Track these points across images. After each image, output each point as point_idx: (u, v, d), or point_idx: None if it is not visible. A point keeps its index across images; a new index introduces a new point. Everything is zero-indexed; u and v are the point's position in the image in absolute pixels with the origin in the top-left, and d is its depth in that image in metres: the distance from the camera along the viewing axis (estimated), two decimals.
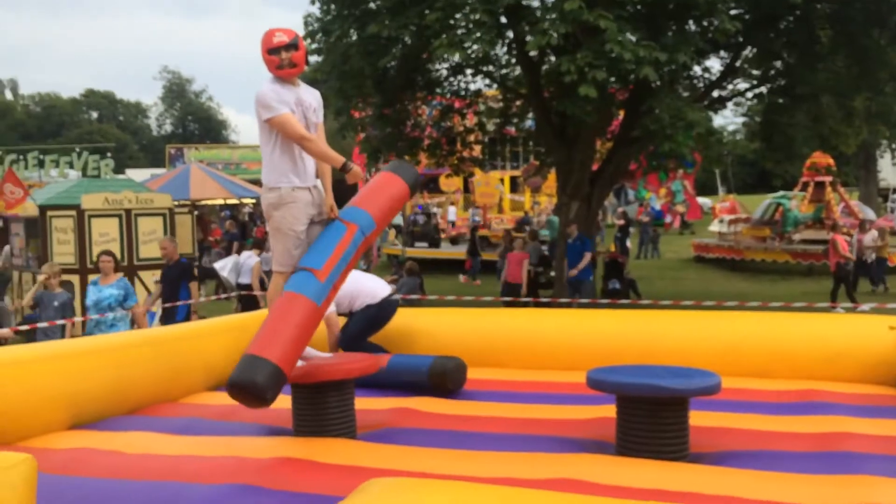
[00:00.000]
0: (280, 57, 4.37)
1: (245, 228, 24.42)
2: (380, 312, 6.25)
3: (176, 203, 14.27)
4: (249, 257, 12.08)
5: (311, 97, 4.62)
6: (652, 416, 4.03)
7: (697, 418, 4.42)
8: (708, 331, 6.06)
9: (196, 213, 15.62)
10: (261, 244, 12.76)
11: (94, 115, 70.95)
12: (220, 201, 24.42)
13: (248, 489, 3.71)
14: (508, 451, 4.21)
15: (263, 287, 11.15)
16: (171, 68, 75.41)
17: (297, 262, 4.54)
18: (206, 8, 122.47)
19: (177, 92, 70.43)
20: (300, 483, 3.78)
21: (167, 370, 5.76)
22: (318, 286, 4.31)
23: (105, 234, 11.58)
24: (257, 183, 27.44)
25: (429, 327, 6.65)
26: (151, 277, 11.68)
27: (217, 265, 12.88)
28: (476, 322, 6.80)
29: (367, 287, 6.33)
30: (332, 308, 5.85)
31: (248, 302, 11.30)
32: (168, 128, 71.04)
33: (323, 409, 4.56)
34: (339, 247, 4.38)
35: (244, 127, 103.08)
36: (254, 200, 25.28)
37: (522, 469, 3.85)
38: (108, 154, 18.36)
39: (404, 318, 6.63)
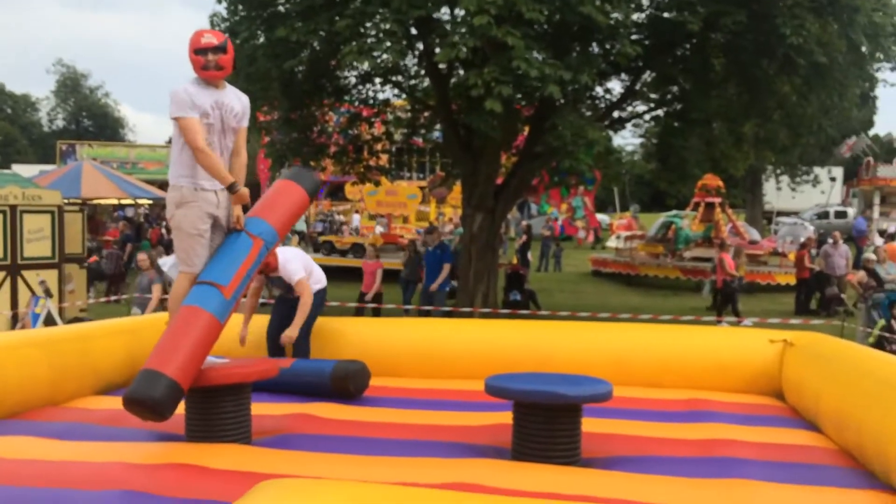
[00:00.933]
0: (206, 58, 4.33)
1: (140, 230, 23.56)
2: (321, 301, 6.39)
3: (66, 201, 13.64)
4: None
5: (236, 101, 4.54)
6: (547, 423, 4.13)
7: (590, 425, 4.57)
8: (602, 342, 6.26)
9: (87, 211, 14.96)
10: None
11: None
12: (114, 201, 23.47)
13: (136, 496, 3.59)
14: (406, 457, 4.22)
15: None
16: (66, 61, 72.15)
17: (202, 262, 4.45)
18: (106, 2, 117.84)
19: (71, 86, 67.27)
20: (190, 489, 3.68)
21: (51, 373, 5.49)
22: (222, 302, 4.25)
23: None
24: (154, 183, 26.58)
25: (332, 335, 6.60)
26: (36, 277, 11.11)
27: (161, 262, 12.47)
28: (378, 331, 6.78)
29: (316, 269, 6.41)
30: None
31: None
32: (60, 123, 67.74)
33: (217, 414, 4.45)
34: (245, 262, 4.34)
35: (142, 126, 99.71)
36: (150, 201, 24.43)
37: (419, 474, 3.87)
38: None
39: None
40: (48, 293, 10.78)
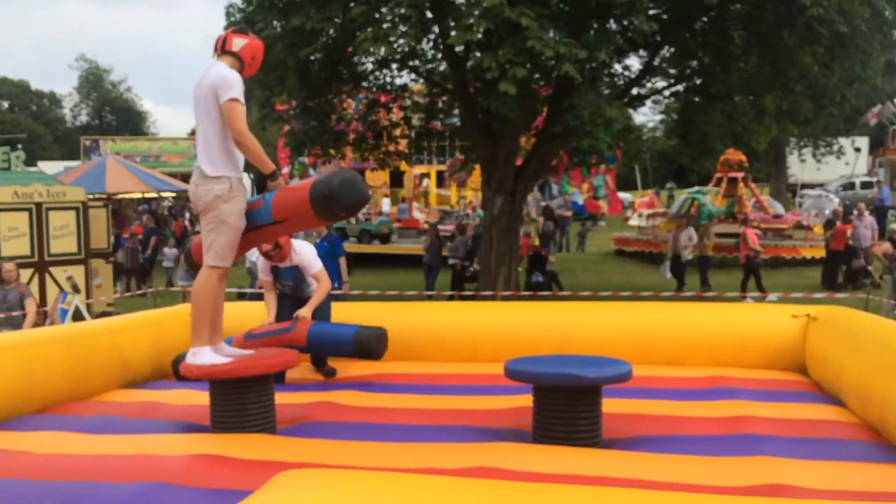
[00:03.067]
0: (258, 62, 4.59)
1: (164, 223, 23.80)
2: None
3: (91, 196, 13.82)
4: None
5: None
6: (567, 404, 4.14)
7: (612, 405, 4.57)
8: (623, 321, 6.25)
9: (111, 206, 15.15)
10: None
11: (5, 104, 67.84)
12: (138, 195, 23.72)
13: (165, 487, 3.65)
14: (427, 442, 4.26)
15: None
16: (88, 57, 72.70)
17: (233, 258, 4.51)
18: None
19: (93, 82, 67.86)
20: (217, 479, 3.74)
21: (79, 367, 5.59)
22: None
23: (14, 229, 11.11)
24: (176, 176, 26.76)
25: (352, 320, 6.63)
26: (63, 273, 11.28)
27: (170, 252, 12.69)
28: (398, 315, 6.80)
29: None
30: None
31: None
32: (84, 119, 68.44)
33: (242, 405, 4.51)
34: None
35: (164, 119, 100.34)
36: (173, 194, 24.64)
37: (441, 458, 3.91)
38: (19, 146, 17.57)
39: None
40: (75, 288, 10.96)
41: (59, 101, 70.62)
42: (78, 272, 11.64)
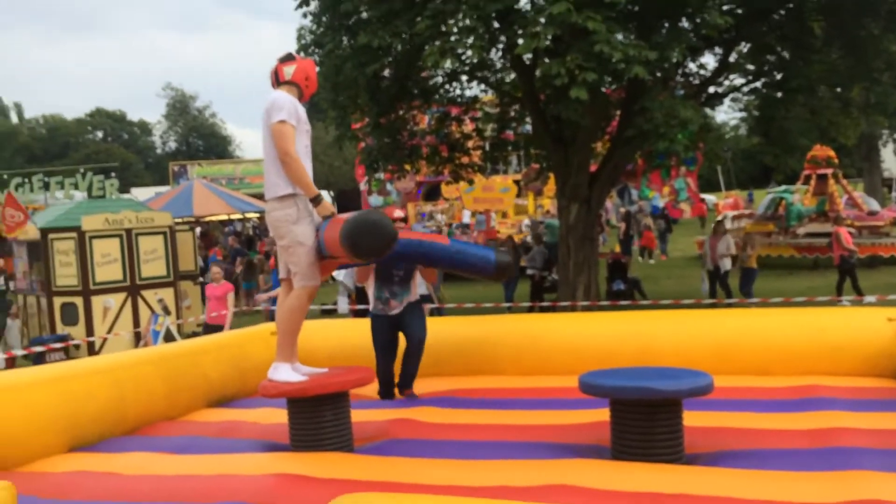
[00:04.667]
0: (313, 80, 4.74)
1: (251, 242, 24.48)
2: None
3: (178, 220, 14.33)
4: None
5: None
6: (645, 419, 4.03)
7: (694, 419, 4.42)
8: (705, 329, 6.03)
9: (199, 229, 15.69)
10: None
11: (100, 134, 71.37)
12: (224, 216, 24.51)
13: None
14: (505, 459, 4.21)
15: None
16: (174, 85, 75.81)
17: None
18: (201, 23, 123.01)
19: (180, 109, 70.73)
20: (295, 499, 3.78)
21: (167, 388, 5.78)
22: None
23: (107, 255, 11.63)
24: (260, 197, 27.55)
25: (430, 335, 6.64)
26: (154, 296, 11.72)
27: (336, 273, 13.21)
28: (474, 329, 6.77)
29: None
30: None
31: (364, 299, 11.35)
32: (172, 145, 71.36)
33: (319, 424, 4.57)
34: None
35: (248, 142, 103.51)
36: (257, 214, 25.35)
37: (519, 476, 3.85)
38: (112, 174, 18.45)
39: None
40: (166, 310, 11.39)
41: (149, 130, 73.86)
42: (168, 294, 12.08)
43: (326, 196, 34.20)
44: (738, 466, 3.84)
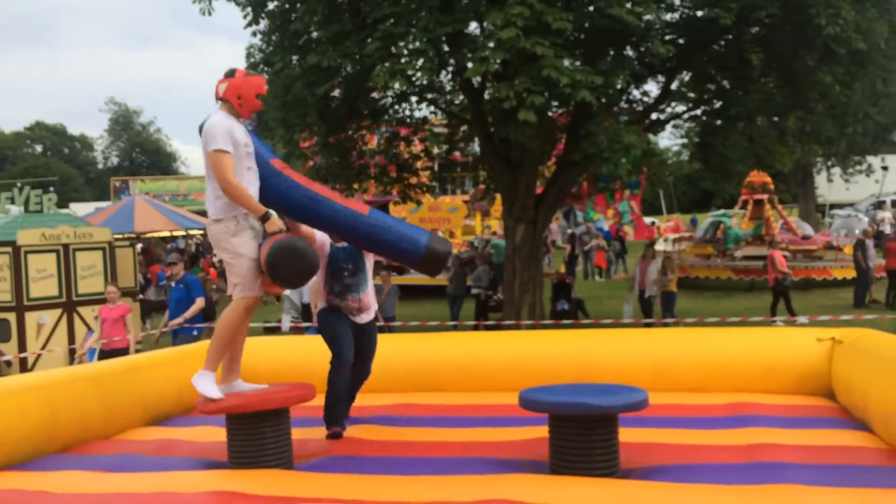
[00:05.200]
0: (260, 104, 4.65)
1: (195, 259, 24.08)
2: None
3: (118, 236, 14.04)
4: None
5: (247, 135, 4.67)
6: (582, 434, 4.10)
7: (630, 435, 4.51)
8: (643, 348, 6.18)
9: (140, 245, 15.39)
10: None
11: (39, 148, 69.54)
12: (167, 233, 24.07)
13: None
14: (445, 475, 4.23)
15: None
16: (117, 100, 74.40)
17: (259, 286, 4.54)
18: (148, 39, 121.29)
19: (123, 124, 69.41)
20: None
21: (102, 406, 5.64)
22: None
23: (42, 270, 11.33)
24: (205, 213, 27.18)
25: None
26: (91, 313, 11.44)
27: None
28: (418, 346, 6.80)
29: None
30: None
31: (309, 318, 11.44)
32: (115, 160, 69.89)
33: (259, 440, 4.52)
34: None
35: (193, 158, 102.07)
36: (201, 231, 24.97)
37: (458, 492, 3.87)
38: (51, 188, 18.00)
39: None
40: None
41: (90, 144, 72.21)
42: None
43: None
44: (671, 480, 3.93)
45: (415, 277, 20.70)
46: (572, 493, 3.76)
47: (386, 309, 11.93)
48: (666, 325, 11.61)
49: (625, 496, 3.72)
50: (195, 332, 9.48)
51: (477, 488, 3.89)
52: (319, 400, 5.13)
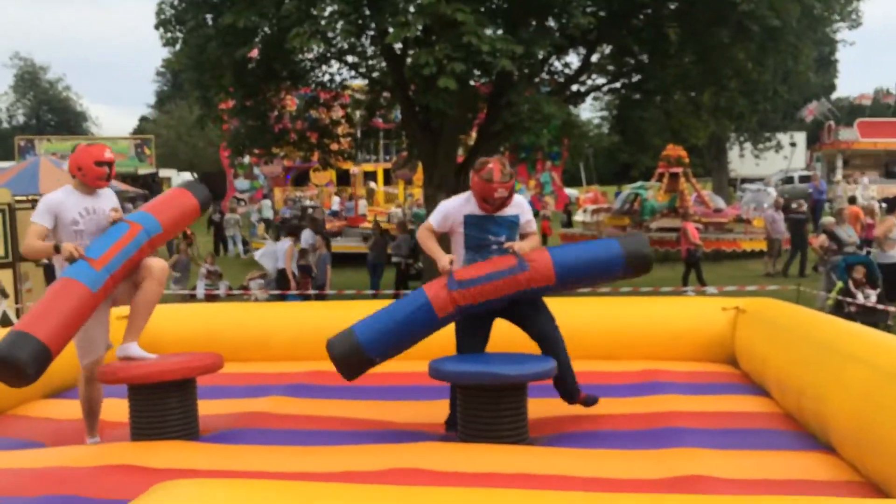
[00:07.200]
0: (105, 170, 4.61)
1: None
2: None
3: (21, 198, 13.36)
4: (283, 242, 12.18)
5: (109, 203, 4.69)
6: (491, 403, 4.12)
7: (538, 404, 4.55)
8: (556, 316, 6.22)
9: None
10: (296, 231, 12.95)
11: None
12: None
13: (74, 500, 3.52)
14: (352, 445, 4.19)
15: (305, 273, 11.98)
16: (22, 55, 70.47)
17: None
18: None
19: (29, 80, 65.82)
20: (130, 490, 3.60)
21: None
22: (92, 273, 4.33)
23: None
24: (117, 177, 26.16)
25: (287, 320, 6.53)
26: None
27: (256, 254, 13.54)
28: (332, 314, 6.68)
29: None
30: None
31: (285, 286, 11.79)
32: (21, 119, 66.37)
33: (162, 412, 4.38)
34: (119, 241, 4.46)
35: (104, 117, 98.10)
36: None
37: (365, 461, 3.84)
38: None
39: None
40: (4, 293, 10.61)
41: None
42: (6, 276, 11.23)
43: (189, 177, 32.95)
44: (576, 446, 4.00)
45: (336, 245, 20.50)
46: (479, 460, 3.78)
47: (320, 276, 12.32)
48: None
49: (530, 463, 3.76)
50: None
51: (384, 457, 3.87)
52: (227, 368, 5.00)
